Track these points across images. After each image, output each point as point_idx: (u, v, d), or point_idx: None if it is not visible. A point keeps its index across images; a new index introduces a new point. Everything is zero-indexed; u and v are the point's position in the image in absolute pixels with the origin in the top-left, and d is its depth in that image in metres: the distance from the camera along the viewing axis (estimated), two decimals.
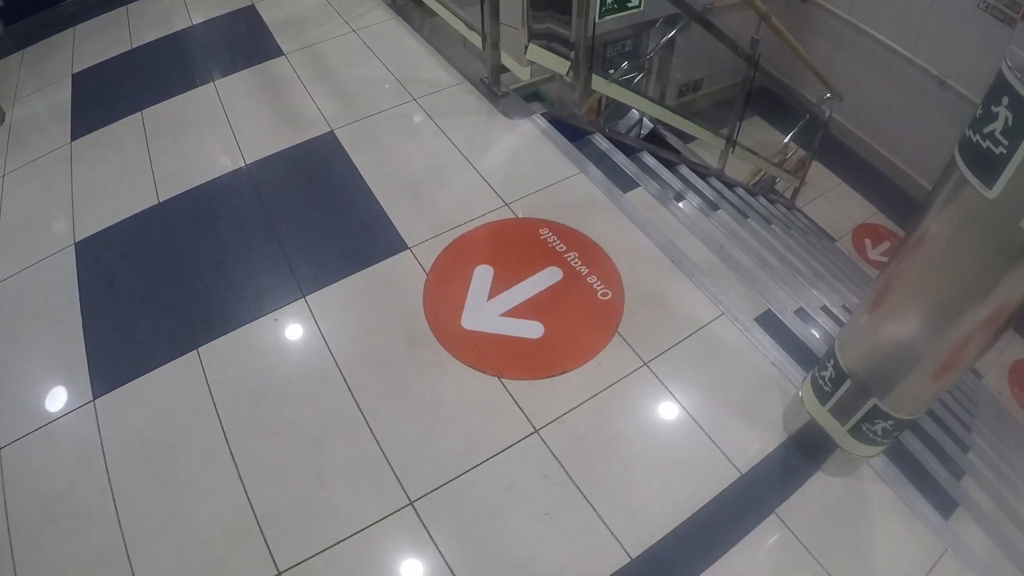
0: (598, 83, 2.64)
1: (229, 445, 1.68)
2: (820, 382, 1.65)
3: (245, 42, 3.05)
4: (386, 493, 1.59)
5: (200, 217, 2.26)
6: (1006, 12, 4.25)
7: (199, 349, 1.87)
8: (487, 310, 1.90)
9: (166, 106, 2.72)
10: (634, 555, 1.53)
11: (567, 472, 1.64)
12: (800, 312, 2.24)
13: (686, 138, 3.68)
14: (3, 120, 2.85)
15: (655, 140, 3.55)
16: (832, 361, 1.59)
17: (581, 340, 1.85)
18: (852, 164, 5.50)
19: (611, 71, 4.29)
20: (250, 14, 3.18)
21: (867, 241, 5.06)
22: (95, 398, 1.80)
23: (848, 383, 1.54)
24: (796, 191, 4.74)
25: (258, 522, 1.55)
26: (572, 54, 2.50)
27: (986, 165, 1.04)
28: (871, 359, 1.51)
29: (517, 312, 1.90)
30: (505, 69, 2.53)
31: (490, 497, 1.60)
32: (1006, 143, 1.00)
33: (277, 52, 2.88)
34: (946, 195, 1.16)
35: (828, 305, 2.67)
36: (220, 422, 1.72)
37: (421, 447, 1.67)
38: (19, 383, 1.91)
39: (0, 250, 2.30)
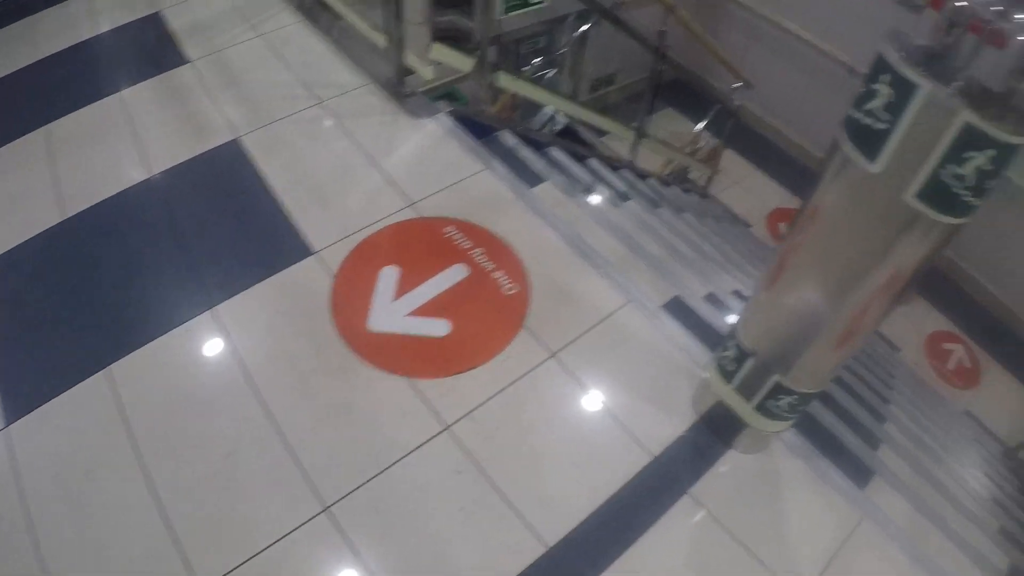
0: (504, 80, 2.65)
1: (143, 463, 1.65)
2: (724, 363, 1.70)
3: (150, 50, 2.95)
4: (301, 501, 1.60)
5: (107, 232, 2.20)
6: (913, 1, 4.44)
7: (110, 367, 1.83)
8: (393, 311, 1.92)
9: (70, 119, 2.62)
10: (550, 544, 1.57)
11: (480, 467, 1.67)
12: (710, 297, 2.32)
13: (601, 132, 3.72)
14: None
15: (569, 134, 3.58)
16: (734, 341, 1.65)
17: (488, 335, 1.89)
18: (765, 151, 5.67)
19: (524, 68, 4.29)
20: (155, 22, 3.07)
21: (781, 225, 5.22)
22: (8, 424, 1.74)
23: (751, 361, 1.60)
24: (710, 179, 4.87)
25: (176, 540, 1.54)
26: (476, 52, 2.50)
27: (869, 141, 1.10)
28: (770, 335, 1.56)
29: (424, 311, 1.91)
30: (410, 71, 2.51)
31: (405, 497, 1.62)
32: (887, 118, 1.06)
33: (182, 60, 2.80)
34: (834, 171, 1.21)
35: (740, 290, 2.75)
36: (133, 440, 1.69)
37: (334, 453, 1.68)
38: None
39: None
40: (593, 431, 1.77)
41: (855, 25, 4.78)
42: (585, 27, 4.23)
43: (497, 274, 2.01)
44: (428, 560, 1.55)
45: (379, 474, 1.64)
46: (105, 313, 1.97)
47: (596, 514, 1.63)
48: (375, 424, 1.73)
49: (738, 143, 5.23)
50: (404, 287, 1.96)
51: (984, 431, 4.49)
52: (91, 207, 2.27)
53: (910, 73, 1.00)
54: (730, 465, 1.75)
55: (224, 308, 1.94)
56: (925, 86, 1.00)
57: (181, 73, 2.76)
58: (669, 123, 5.39)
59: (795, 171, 5.49)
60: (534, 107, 3.75)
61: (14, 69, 2.96)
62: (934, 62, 1.02)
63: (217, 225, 2.19)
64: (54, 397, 1.78)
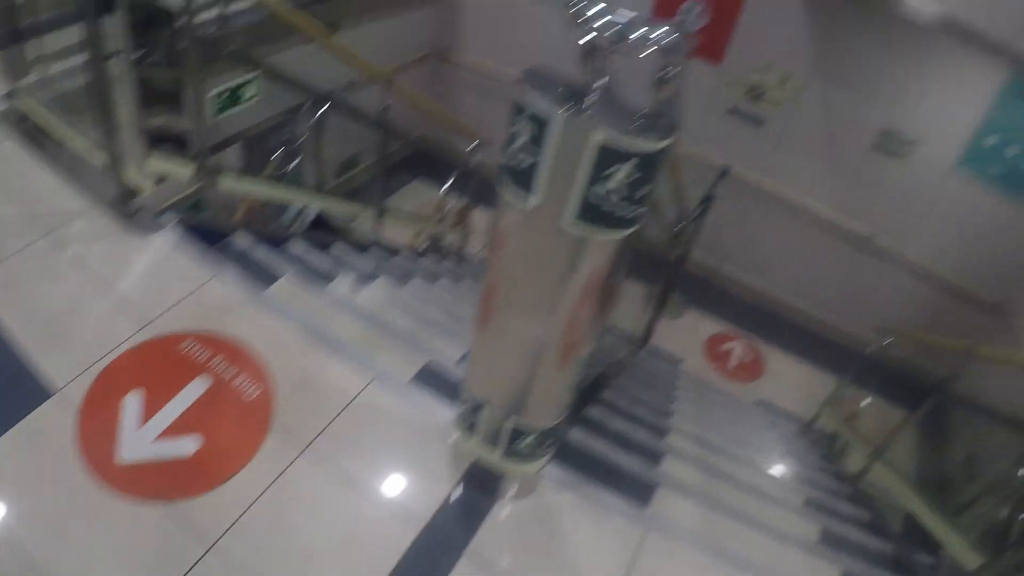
0: (229, 183, 2.81)
1: None
2: (464, 418, 1.84)
3: None
4: None
5: None
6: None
7: None
8: (141, 438, 1.92)
9: None
10: None
11: None
12: (467, 357, 2.53)
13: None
14: None
15: (323, 223, 3.79)
16: (466, 394, 1.79)
17: (238, 443, 1.94)
18: None
19: (270, 160, 4.43)
20: None
21: None
22: None
23: (485, 410, 1.73)
24: (464, 241, 5.18)
25: None
26: (194, 158, 2.64)
27: (522, 179, 1.26)
28: (495, 378, 1.71)
29: (171, 431, 1.93)
30: (132, 190, 2.58)
31: None
32: (532, 154, 1.22)
33: None
34: (502, 213, 1.38)
35: None
36: None
37: None
38: None
39: None
40: (358, 516, 1.84)
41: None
42: (321, 111, 4.52)
43: (239, 379, 2.08)
44: None
45: None
46: None
47: None
48: (141, 559, 1.70)
49: (486, 200, 5.75)
50: (149, 411, 1.97)
51: (779, 414, 5.15)
52: None
53: (541, 108, 1.17)
54: (503, 514, 1.88)
55: None
56: (557, 117, 1.16)
57: None
58: (421, 193, 5.68)
59: None
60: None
61: None
62: (568, 93, 1.19)
63: None
64: None
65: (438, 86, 6.21)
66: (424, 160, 5.12)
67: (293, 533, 1.80)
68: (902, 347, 4.99)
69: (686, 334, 5.57)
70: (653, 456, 2.48)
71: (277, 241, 2.82)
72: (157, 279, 2.43)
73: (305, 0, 4.15)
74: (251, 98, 2.61)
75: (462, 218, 4.82)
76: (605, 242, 1.30)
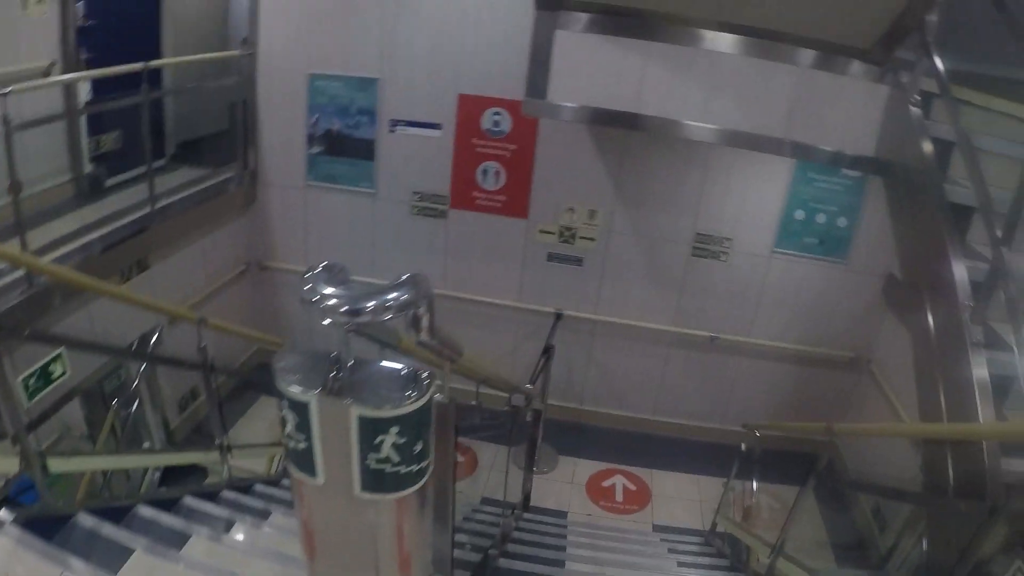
0: (58, 465, 2.88)
1: None
2: None
3: None
4: None
5: None
6: (436, 210, 5.79)
7: None
8: None
9: None
10: None
11: None
12: None
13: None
14: None
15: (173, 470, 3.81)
16: None
17: None
18: None
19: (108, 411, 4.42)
20: None
21: None
22: None
23: None
24: None
25: None
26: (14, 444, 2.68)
27: (303, 460, 1.32)
28: None
29: None
30: None
31: None
32: (303, 437, 1.28)
33: None
34: (297, 490, 1.42)
35: None
36: None
37: None
38: None
39: None
40: None
41: (395, 246, 6.08)
42: (144, 358, 4.64)
43: None
44: None
45: None
46: None
47: None
48: None
49: None
50: None
51: (678, 533, 5.39)
52: None
53: (298, 393, 1.24)
54: None
55: None
56: (313, 400, 1.23)
57: None
58: (271, 411, 5.71)
59: None
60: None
61: None
62: (322, 372, 1.25)
63: None
64: None
65: (262, 295, 6.45)
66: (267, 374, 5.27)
67: None
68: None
69: (565, 483, 5.77)
70: None
71: (126, 509, 2.88)
72: None
73: (109, 243, 4.32)
74: (62, 374, 2.73)
75: None
76: (402, 497, 1.38)
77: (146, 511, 2.91)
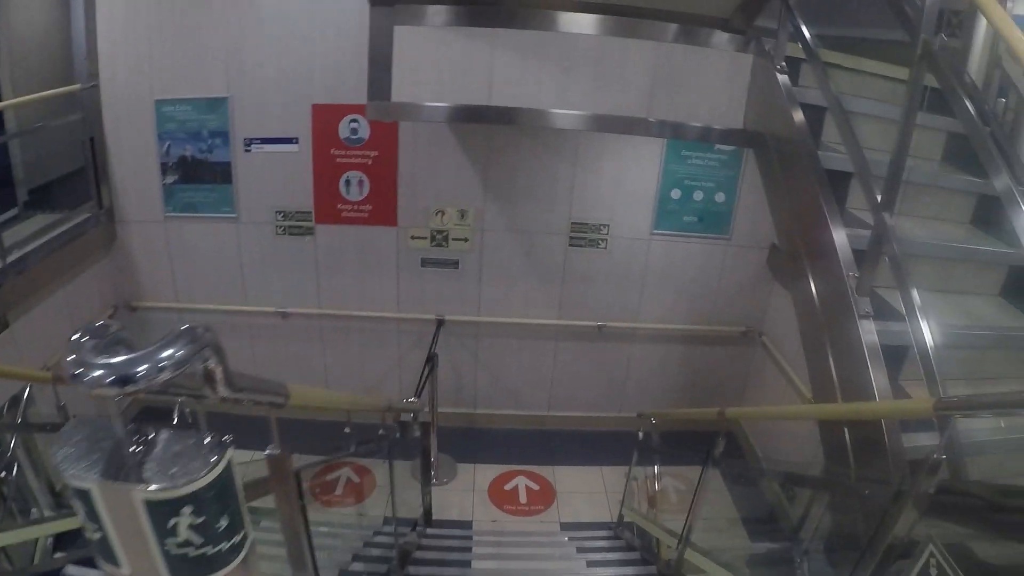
0: None
1: None
2: None
3: None
4: None
5: None
6: (302, 227, 5.56)
7: None
8: None
9: None
10: None
11: None
12: None
13: None
14: None
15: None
16: None
17: None
18: None
19: None
20: None
21: None
22: None
23: None
24: None
25: None
26: None
27: (103, 551, 1.16)
28: None
29: None
30: None
31: None
32: (95, 526, 1.12)
33: None
34: None
35: None
36: None
37: None
38: None
39: None
40: None
41: (269, 277, 5.85)
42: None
43: None
44: None
45: None
46: None
47: None
48: None
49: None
50: None
51: (586, 529, 5.30)
52: None
53: (78, 480, 1.09)
54: None
55: None
56: (94, 486, 1.09)
57: None
58: None
59: None
60: None
61: None
62: (104, 454, 1.12)
63: None
64: None
65: (135, 337, 6.11)
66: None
67: None
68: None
69: (467, 491, 5.62)
70: None
71: None
72: None
73: None
74: None
75: None
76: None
77: None
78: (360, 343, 5.92)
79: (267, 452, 1.77)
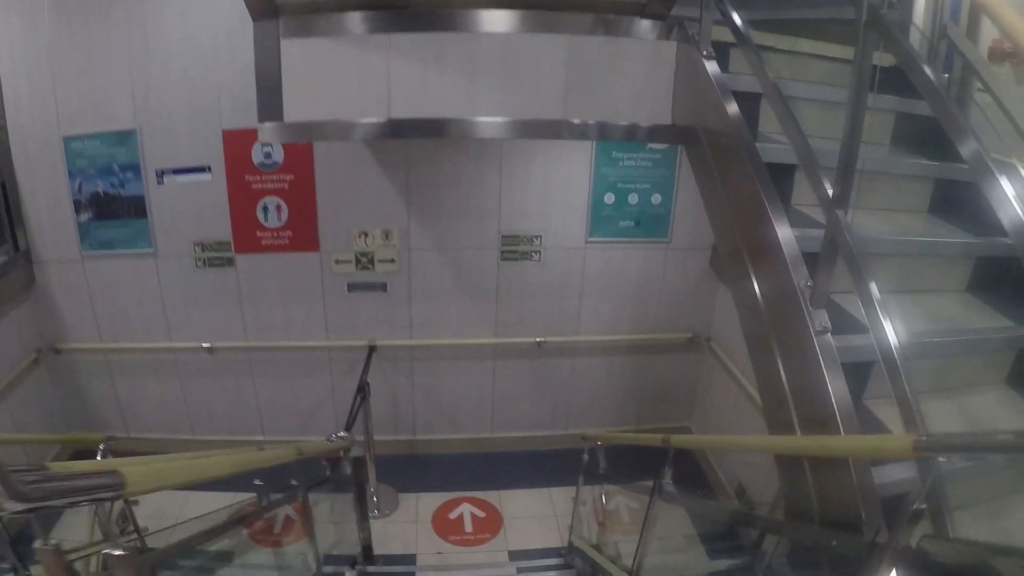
0: None
1: None
2: None
3: None
4: None
5: None
6: (222, 258, 5.30)
7: None
8: None
9: None
10: None
11: None
12: None
13: None
14: None
15: None
16: None
17: None
18: None
19: None
20: None
21: None
22: None
23: None
24: None
25: None
26: None
27: None
28: None
29: None
30: None
31: None
32: None
33: None
34: None
35: None
36: None
37: None
38: None
39: None
40: None
41: (189, 306, 5.57)
42: None
43: None
44: None
45: None
46: None
47: None
48: None
49: None
50: None
51: (536, 557, 5.02)
52: None
53: None
54: None
55: None
56: None
57: None
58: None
59: None
60: None
61: None
62: None
63: None
64: None
65: (63, 380, 5.81)
66: None
67: None
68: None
69: (409, 522, 5.36)
70: None
71: None
72: None
73: None
74: None
75: None
76: None
77: None
78: (291, 374, 5.65)
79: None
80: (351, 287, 5.44)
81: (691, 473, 5.67)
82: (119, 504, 3.43)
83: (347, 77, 3.36)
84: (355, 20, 3.30)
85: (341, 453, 4.52)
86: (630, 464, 4.46)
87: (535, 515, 5.42)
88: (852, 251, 2.08)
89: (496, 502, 5.52)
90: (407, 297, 5.48)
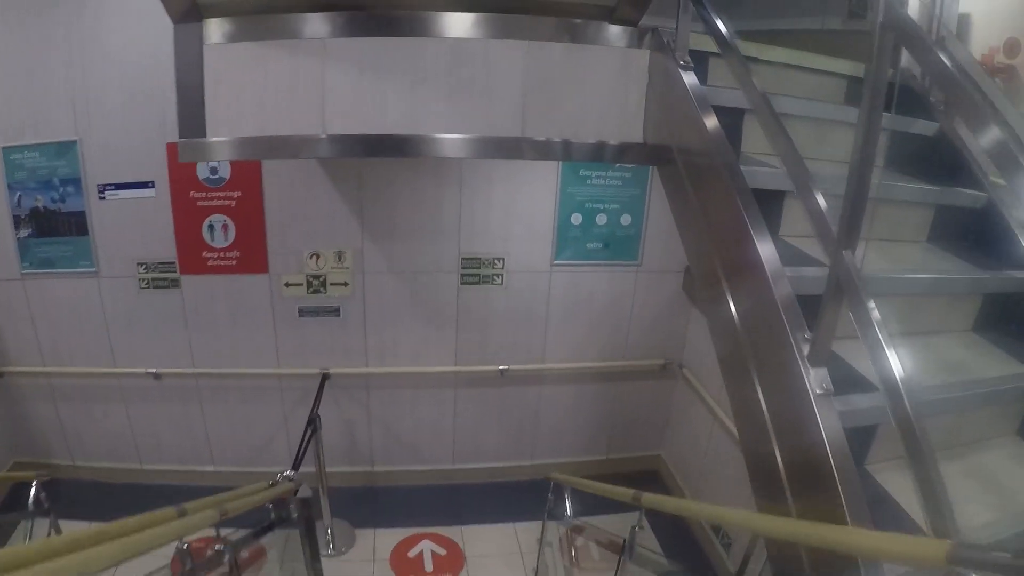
0: None
1: None
2: None
3: None
4: None
5: None
6: (167, 279, 4.87)
7: None
8: None
9: None
10: None
11: None
12: None
13: None
14: None
15: None
16: None
17: None
18: None
19: None
20: None
21: None
22: None
23: None
24: None
25: None
26: None
27: None
28: None
29: None
30: None
31: None
32: None
33: None
34: None
35: None
36: None
37: None
38: None
39: None
40: None
41: (133, 333, 5.13)
42: None
43: None
44: None
45: None
46: None
47: None
48: None
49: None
50: None
51: None
52: None
53: None
54: None
55: None
56: None
57: None
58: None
59: None
60: None
61: None
62: None
63: None
64: None
65: (5, 405, 5.37)
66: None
67: None
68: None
69: (365, 561, 4.93)
70: None
71: None
72: None
73: None
74: None
75: None
76: None
77: None
78: (241, 402, 5.22)
79: None
80: (302, 312, 5.00)
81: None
82: None
83: (276, 88, 2.90)
84: (286, 23, 2.84)
85: (293, 493, 4.07)
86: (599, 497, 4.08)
87: (499, 552, 5.00)
88: (862, 297, 1.70)
89: (458, 538, 5.09)
90: (362, 323, 5.05)
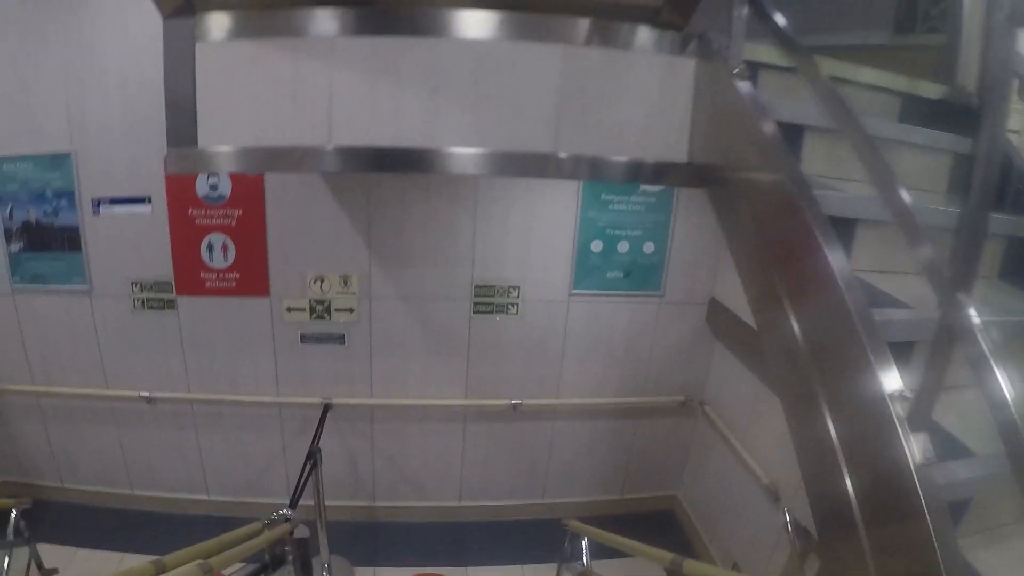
0: None
1: None
2: None
3: None
4: None
5: None
6: (162, 300, 4.49)
7: None
8: None
9: None
10: None
11: None
12: None
13: None
14: None
15: None
16: None
17: None
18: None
19: None
20: None
21: None
22: None
23: None
24: None
25: None
26: None
27: None
28: None
29: None
30: None
31: None
32: None
33: None
34: None
35: None
36: None
37: None
38: None
39: None
40: None
41: (124, 355, 4.72)
42: None
43: None
44: None
45: None
46: None
47: None
48: None
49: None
50: None
51: None
52: None
53: None
54: None
55: None
56: None
57: None
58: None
59: None
60: None
61: None
62: None
63: None
64: None
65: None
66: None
67: None
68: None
69: None
70: None
71: None
72: None
73: None
74: None
75: None
76: None
77: None
78: (238, 430, 4.81)
79: None
80: (304, 338, 4.59)
81: (678, 546, 4.77)
82: None
83: (277, 92, 2.47)
84: (289, 18, 2.42)
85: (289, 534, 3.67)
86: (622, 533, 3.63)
87: None
88: (983, 348, 1.40)
89: None
90: (367, 351, 4.63)
